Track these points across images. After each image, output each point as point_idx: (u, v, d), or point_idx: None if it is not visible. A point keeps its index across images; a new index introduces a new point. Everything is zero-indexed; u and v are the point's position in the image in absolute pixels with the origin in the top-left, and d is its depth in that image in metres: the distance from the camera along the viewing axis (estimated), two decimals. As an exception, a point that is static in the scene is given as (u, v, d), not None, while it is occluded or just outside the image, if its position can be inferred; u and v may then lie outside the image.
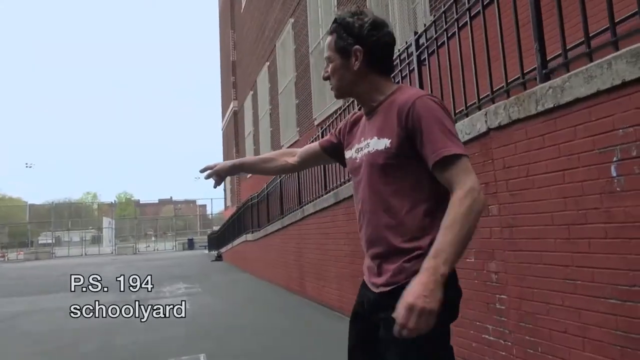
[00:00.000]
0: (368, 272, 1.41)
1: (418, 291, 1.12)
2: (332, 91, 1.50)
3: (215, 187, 1.83)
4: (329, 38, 1.44)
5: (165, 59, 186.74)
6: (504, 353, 2.64)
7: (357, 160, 1.43)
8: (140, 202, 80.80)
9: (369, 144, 1.38)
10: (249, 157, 1.99)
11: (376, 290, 1.35)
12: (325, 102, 10.42)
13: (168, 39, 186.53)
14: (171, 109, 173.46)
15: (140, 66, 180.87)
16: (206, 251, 27.93)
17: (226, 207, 26.02)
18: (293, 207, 7.71)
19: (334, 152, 1.62)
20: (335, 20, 1.43)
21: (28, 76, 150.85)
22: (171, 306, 6.89)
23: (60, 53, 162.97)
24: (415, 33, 3.84)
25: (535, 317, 2.40)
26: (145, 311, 6.66)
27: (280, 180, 8.77)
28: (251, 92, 18.58)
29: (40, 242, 44.81)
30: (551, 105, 2.24)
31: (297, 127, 12.12)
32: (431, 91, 3.54)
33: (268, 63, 15.51)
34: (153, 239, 43.94)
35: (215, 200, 74.33)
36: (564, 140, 2.19)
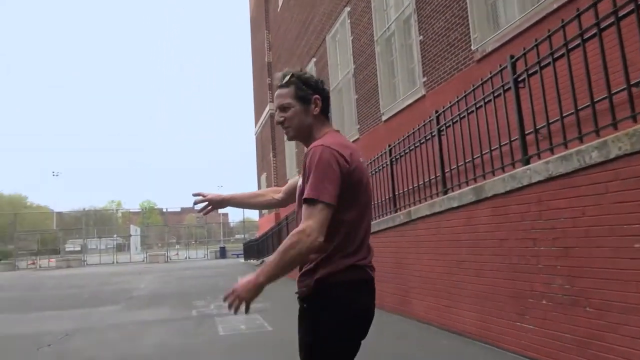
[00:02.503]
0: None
1: (241, 283, 1.53)
2: (285, 135, 1.80)
3: (203, 214, 2.07)
4: (284, 90, 1.72)
5: (190, 66, 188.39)
6: None
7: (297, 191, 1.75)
8: (164, 210, 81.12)
9: (300, 180, 1.71)
10: (240, 193, 2.12)
11: None
12: (395, 96, 9.39)
13: (193, 46, 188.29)
14: (193, 117, 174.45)
15: (164, 74, 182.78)
16: (241, 260, 27.09)
17: (261, 215, 25.08)
18: (386, 211, 6.67)
19: None
20: (292, 75, 1.73)
21: (54, 86, 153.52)
22: (245, 325, 5.89)
23: (85, 62, 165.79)
24: (512, 57, 4.06)
25: None
26: (221, 330, 5.67)
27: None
28: (293, 92, 17.69)
29: (67, 249, 44.70)
30: None
31: (357, 125, 11.10)
32: (532, 107, 3.80)
33: (315, 59, 14.57)
34: (177, 247, 43.41)
35: (237, 210, 73.76)
36: None
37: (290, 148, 18.39)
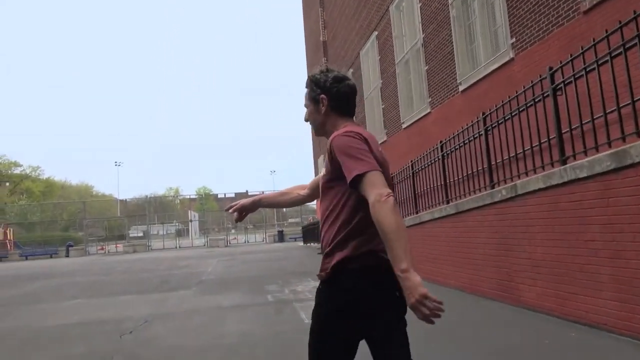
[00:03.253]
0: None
1: (406, 295, 1.44)
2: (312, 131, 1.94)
3: (236, 222, 2.22)
4: (306, 91, 1.86)
5: (241, 51, 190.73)
6: None
7: (320, 182, 1.82)
8: (219, 196, 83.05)
9: (324, 169, 1.78)
10: (268, 193, 2.24)
11: None
12: (475, 63, 8.59)
13: (241, 32, 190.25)
14: (240, 103, 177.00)
15: (216, 60, 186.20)
16: (301, 243, 27.05)
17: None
18: (479, 186, 6.02)
19: None
20: (308, 78, 1.87)
21: (117, 80, 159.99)
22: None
23: (141, 52, 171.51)
24: (550, 68, 4.39)
25: None
26: (305, 318, 5.25)
27: (442, 154, 7.09)
28: (351, 70, 17.02)
29: (131, 235, 46.66)
30: None
31: (428, 98, 10.37)
32: (568, 114, 4.00)
33: (376, 32, 13.83)
34: (233, 231, 44.16)
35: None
36: None
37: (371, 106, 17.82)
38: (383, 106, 13.55)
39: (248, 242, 33.85)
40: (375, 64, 14.11)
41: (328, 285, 1.66)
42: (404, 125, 11.93)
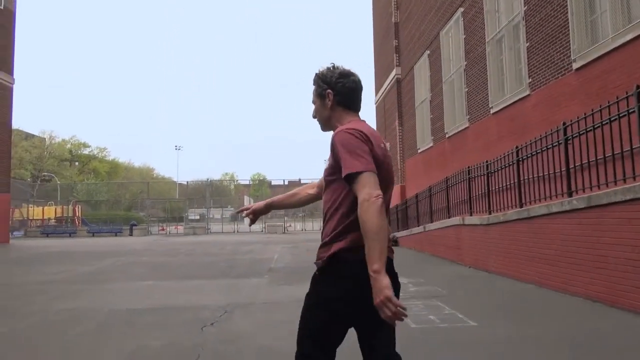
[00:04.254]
0: None
1: (373, 295, 1.53)
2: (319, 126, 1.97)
3: (250, 225, 2.34)
4: (312, 88, 1.91)
5: (297, 37, 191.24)
6: None
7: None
8: (272, 183, 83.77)
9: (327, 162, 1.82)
10: (278, 196, 2.22)
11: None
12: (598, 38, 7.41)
13: (301, 15, 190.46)
14: (297, 90, 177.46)
15: (266, 47, 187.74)
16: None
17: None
18: (613, 179, 4.99)
19: None
20: (315, 74, 1.89)
21: (179, 68, 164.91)
22: (434, 316, 4.66)
23: (198, 42, 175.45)
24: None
25: None
26: (411, 322, 4.41)
27: (565, 138, 6.06)
28: (427, 52, 15.93)
29: (189, 217, 47.80)
30: None
31: (528, 79, 9.23)
32: None
33: (462, 9, 12.69)
34: (285, 218, 44.06)
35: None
36: None
37: (423, 113, 16.74)
38: (466, 89, 12.44)
39: (305, 230, 33.48)
40: (459, 44, 12.98)
41: (324, 273, 1.71)
42: (492, 110, 10.82)
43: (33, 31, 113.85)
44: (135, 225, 31.38)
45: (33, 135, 59.46)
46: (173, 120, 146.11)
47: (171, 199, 50.04)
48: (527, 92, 9.19)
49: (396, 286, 1.66)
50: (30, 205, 36.74)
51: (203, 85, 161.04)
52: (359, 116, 1.87)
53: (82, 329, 4.69)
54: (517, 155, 7.31)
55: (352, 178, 1.60)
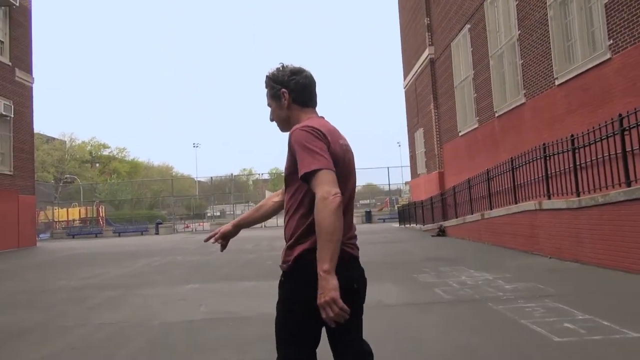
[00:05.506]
0: None
1: (318, 293, 1.51)
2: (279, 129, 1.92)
3: (222, 250, 2.15)
4: (266, 91, 1.86)
5: (302, 34, 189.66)
6: None
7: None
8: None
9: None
10: (244, 214, 2.16)
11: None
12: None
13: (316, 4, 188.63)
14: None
15: (294, 36, 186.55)
16: (394, 224, 25.40)
17: (417, 175, 22.75)
18: None
19: None
20: (265, 78, 1.86)
21: (194, 66, 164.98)
22: (573, 324, 3.68)
23: (218, 40, 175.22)
24: None
25: None
26: (554, 335, 3.41)
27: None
28: (467, 26, 14.78)
29: (208, 214, 47.32)
30: None
31: (608, 41, 8.09)
32: None
33: (511, -25, 11.52)
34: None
35: (360, 175, 72.25)
36: None
37: (465, 93, 15.61)
38: (521, 62, 11.30)
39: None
40: (510, 12, 11.83)
41: (290, 277, 1.69)
42: (557, 82, 9.70)
43: (41, 31, 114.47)
44: (161, 223, 30.84)
45: (53, 139, 59.65)
46: (189, 118, 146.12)
47: (194, 195, 49.68)
48: (608, 56, 8.06)
49: (363, 282, 1.75)
50: (54, 207, 36.53)
51: (219, 83, 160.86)
52: (316, 112, 1.84)
53: (134, 349, 3.85)
54: (621, 125, 6.22)
55: (309, 177, 1.57)
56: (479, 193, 12.01)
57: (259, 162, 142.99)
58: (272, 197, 2.09)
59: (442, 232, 14.23)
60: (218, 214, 50.78)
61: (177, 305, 5.59)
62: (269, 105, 1.86)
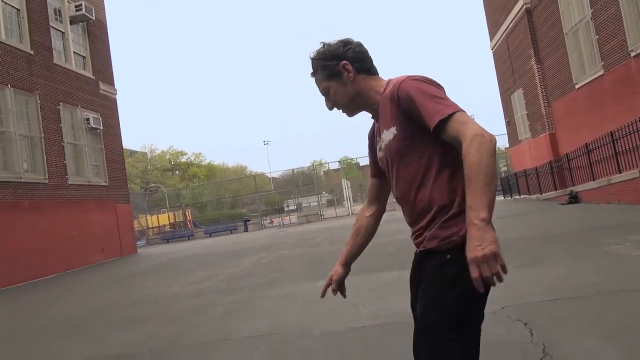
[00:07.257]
0: (415, 242, 1.55)
1: (471, 245, 1.24)
2: (345, 114, 1.65)
3: (344, 296, 1.89)
4: (316, 77, 1.63)
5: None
6: None
7: (383, 157, 1.58)
8: (360, 164, 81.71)
9: (383, 139, 1.54)
10: (344, 249, 1.86)
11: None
12: None
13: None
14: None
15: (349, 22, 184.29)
16: (499, 197, 23.22)
17: (518, 142, 20.61)
18: None
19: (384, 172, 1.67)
20: (312, 61, 1.62)
21: (263, 65, 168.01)
22: None
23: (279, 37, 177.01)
24: None
25: None
26: None
27: None
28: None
29: (285, 209, 47.39)
30: None
31: None
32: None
33: None
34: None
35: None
36: None
37: (580, 38, 13.51)
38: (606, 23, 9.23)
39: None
40: None
41: (462, 252, 1.31)
42: None
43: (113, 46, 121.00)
44: (248, 220, 30.87)
45: (135, 151, 62.68)
46: (257, 117, 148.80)
47: (276, 190, 50.08)
48: None
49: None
50: (146, 214, 37.99)
51: (283, 79, 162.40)
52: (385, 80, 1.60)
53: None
54: None
55: (444, 125, 1.34)
56: (627, 145, 10.07)
57: (329, 152, 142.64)
58: (363, 213, 1.83)
59: (574, 199, 12.34)
60: (294, 207, 50.69)
61: (325, 308, 4.60)
62: (325, 91, 1.63)
